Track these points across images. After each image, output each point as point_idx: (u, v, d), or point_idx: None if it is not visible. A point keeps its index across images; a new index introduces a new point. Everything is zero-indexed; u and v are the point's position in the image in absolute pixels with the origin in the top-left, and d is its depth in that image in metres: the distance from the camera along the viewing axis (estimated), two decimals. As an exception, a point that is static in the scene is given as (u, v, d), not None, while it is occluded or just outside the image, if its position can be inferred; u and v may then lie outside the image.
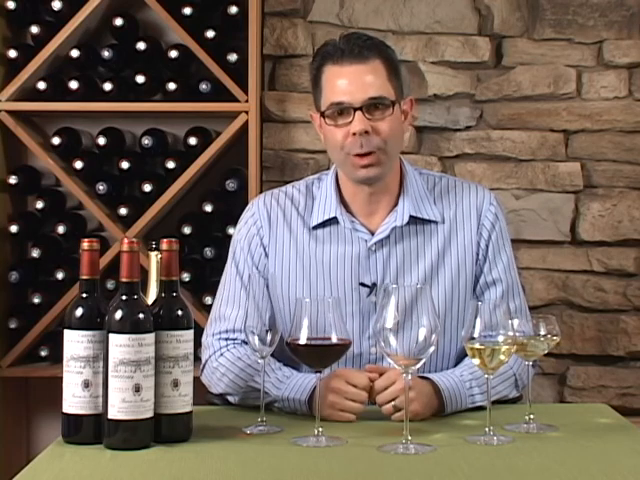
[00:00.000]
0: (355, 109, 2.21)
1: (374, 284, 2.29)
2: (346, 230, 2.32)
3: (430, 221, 2.33)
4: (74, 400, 1.87)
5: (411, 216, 2.31)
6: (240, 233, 2.39)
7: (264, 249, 2.35)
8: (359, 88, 2.21)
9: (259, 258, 2.35)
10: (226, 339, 2.29)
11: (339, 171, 2.36)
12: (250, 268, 2.34)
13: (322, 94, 2.27)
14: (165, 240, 1.94)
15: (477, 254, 2.33)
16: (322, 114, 2.26)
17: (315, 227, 2.34)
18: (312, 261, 2.32)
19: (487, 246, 2.34)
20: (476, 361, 1.94)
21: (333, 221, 2.33)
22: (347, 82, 2.22)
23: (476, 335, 1.92)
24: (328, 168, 3.50)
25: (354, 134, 2.21)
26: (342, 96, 2.22)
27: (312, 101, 2.33)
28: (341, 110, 2.23)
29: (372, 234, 2.31)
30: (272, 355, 2.08)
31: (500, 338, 1.92)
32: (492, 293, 2.33)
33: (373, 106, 2.22)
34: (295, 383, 2.18)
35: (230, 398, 2.27)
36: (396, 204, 2.33)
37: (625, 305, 3.57)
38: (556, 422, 2.08)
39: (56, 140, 3.48)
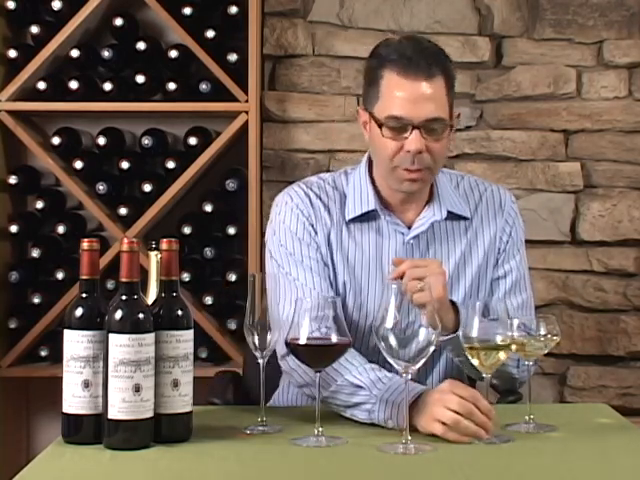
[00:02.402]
0: (413, 127, 2.18)
1: None
2: (383, 223, 2.33)
3: (460, 217, 2.36)
4: (74, 400, 1.87)
5: (447, 211, 2.34)
6: (286, 223, 2.31)
7: (317, 234, 2.31)
8: (420, 106, 2.17)
9: (315, 244, 2.29)
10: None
11: (377, 171, 2.35)
12: (311, 251, 2.28)
13: (379, 100, 2.22)
14: (165, 240, 1.93)
15: (499, 249, 2.38)
16: (379, 124, 2.21)
17: (352, 220, 2.33)
18: (351, 253, 2.31)
19: (507, 242, 2.39)
20: (475, 361, 1.94)
21: (370, 214, 2.33)
22: (409, 98, 2.17)
23: (474, 335, 1.92)
24: (328, 169, 3.53)
25: (408, 151, 2.20)
26: (402, 111, 2.18)
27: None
28: (398, 124, 2.20)
29: (408, 228, 2.33)
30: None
31: (498, 338, 1.92)
32: (502, 285, 2.36)
33: (430, 127, 2.19)
34: (397, 387, 2.05)
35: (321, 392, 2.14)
36: (429, 199, 2.34)
37: (625, 305, 3.57)
38: (556, 422, 2.07)
39: (56, 140, 3.48)
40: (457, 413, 1.92)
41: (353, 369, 2.09)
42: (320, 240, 2.30)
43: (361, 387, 2.07)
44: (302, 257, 2.28)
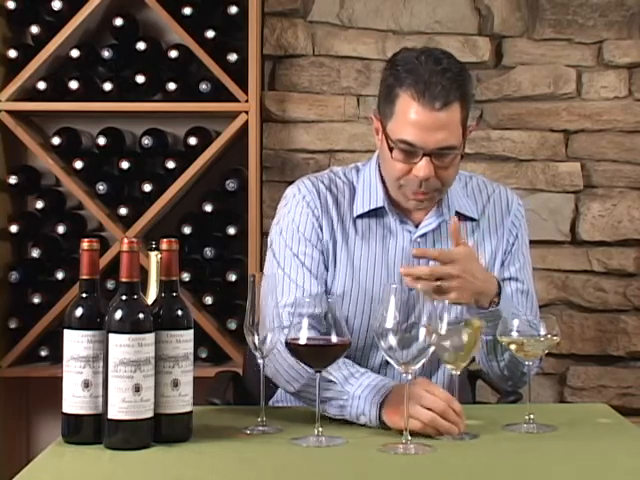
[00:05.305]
0: (424, 154, 2.17)
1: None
2: (392, 220, 2.33)
3: (467, 218, 2.35)
4: (74, 400, 1.87)
5: (456, 212, 2.33)
6: (291, 215, 2.32)
7: (321, 229, 2.31)
8: (433, 134, 2.16)
9: (317, 239, 2.30)
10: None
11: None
12: (309, 248, 2.29)
13: (393, 119, 2.20)
14: (165, 240, 1.93)
15: (505, 250, 2.38)
16: (390, 147, 2.20)
17: (359, 216, 2.33)
18: (356, 249, 2.31)
19: (513, 244, 2.39)
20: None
21: (379, 211, 2.32)
22: (423, 125, 2.16)
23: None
24: (329, 165, 3.53)
25: (416, 176, 2.19)
26: (414, 137, 2.16)
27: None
28: (409, 149, 2.19)
29: (416, 226, 2.33)
30: None
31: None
32: (507, 286, 2.36)
33: (441, 154, 2.18)
34: (369, 382, 2.08)
35: (293, 385, 2.18)
36: (438, 200, 2.33)
37: (625, 305, 3.57)
38: (556, 422, 2.07)
39: (56, 140, 3.48)
40: (431, 411, 1.95)
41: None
42: (325, 235, 2.30)
43: (333, 382, 2.08)
44: (305, 258, 2.28)
